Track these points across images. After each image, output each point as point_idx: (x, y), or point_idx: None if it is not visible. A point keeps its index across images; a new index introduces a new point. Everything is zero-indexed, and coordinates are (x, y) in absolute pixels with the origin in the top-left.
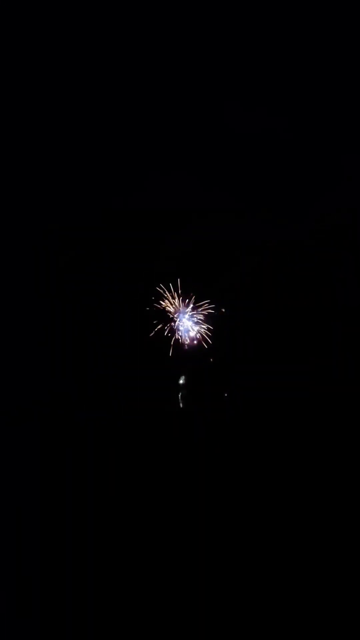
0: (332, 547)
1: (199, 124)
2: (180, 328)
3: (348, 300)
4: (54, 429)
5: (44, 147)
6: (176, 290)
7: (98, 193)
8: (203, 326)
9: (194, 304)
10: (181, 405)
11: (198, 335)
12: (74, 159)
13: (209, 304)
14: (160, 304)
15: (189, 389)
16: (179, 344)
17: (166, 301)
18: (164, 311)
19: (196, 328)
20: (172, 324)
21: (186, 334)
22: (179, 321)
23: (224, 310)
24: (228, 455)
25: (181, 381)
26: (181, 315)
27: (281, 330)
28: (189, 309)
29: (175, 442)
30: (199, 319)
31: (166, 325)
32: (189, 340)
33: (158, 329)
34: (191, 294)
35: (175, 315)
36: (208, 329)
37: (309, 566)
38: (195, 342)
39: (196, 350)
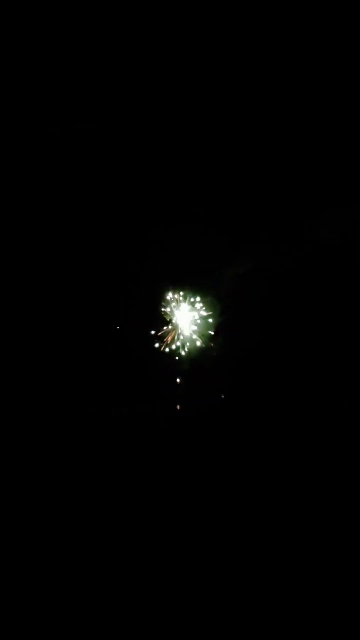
0: (327, 549)
1: None
2: (179, 329)
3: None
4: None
5: None
6: (176, 293)
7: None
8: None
9: (193, 306)
10: (178, 407)
11: (195, 337)
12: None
13: (208, 307)
14: (163, 308)
15: (186, 390)
16: (177, 347)
17: (166, 304)
18: (165, 314)
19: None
20: (171, 326)
21: (184, 336)
22: (178, 324)
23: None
24: (223, 456)
25: (179, 384)
26: (181, 319)
27: (280, 334)
28: (189, 311)
29: (173, 442)
30: (198, 321)
31: (166, 328)
32: (187, 343)
33: (162, 333)
34: (191, 298)
35: (175, 318)
36: (207, 331)
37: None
38: (191, 343)
39: (194, 352)
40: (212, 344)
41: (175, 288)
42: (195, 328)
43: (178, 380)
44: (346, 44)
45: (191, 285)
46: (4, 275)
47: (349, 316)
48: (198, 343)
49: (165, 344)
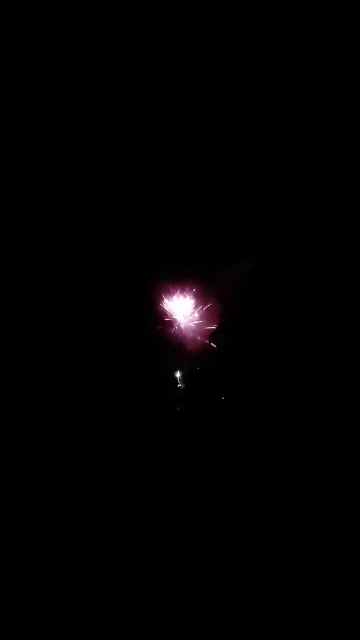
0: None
1: None
2: (181, 328)
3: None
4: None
5: None
6: (178, 294)
7: None
8: (204, 329)
9: (195, 308)
10: (178, 408)
11: (198, 339)
12: None
13: (210, 308)
14: (164, 309)
15: (187, 392)
16: (179, 348)
17: (168, 306)
18: (166, 315)
19: (197, 333)
20: (174, 327)
21: (186, 338)
22: (180, 324)
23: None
24: (221, 457)
25: (179, 385)
26: (182, 319)
27: (281, 333)
28: (190, 313)
29: (171, 444)
30: (198, 323)
31: (168, 328)
32: (188, 345)
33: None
34: (192, 299)
35: (176, 319)
36: (208, 335)
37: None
38: (193, 346)
39: (195, 355)
40: (213, 344)
41: (177, 288)
42: (196, 328)
43: (178, 381)
44: (346, 45)
45: (192, 285)
46: (6, 277)
47: (349, 316)
48: (199, 342)
49: (166, 345)
